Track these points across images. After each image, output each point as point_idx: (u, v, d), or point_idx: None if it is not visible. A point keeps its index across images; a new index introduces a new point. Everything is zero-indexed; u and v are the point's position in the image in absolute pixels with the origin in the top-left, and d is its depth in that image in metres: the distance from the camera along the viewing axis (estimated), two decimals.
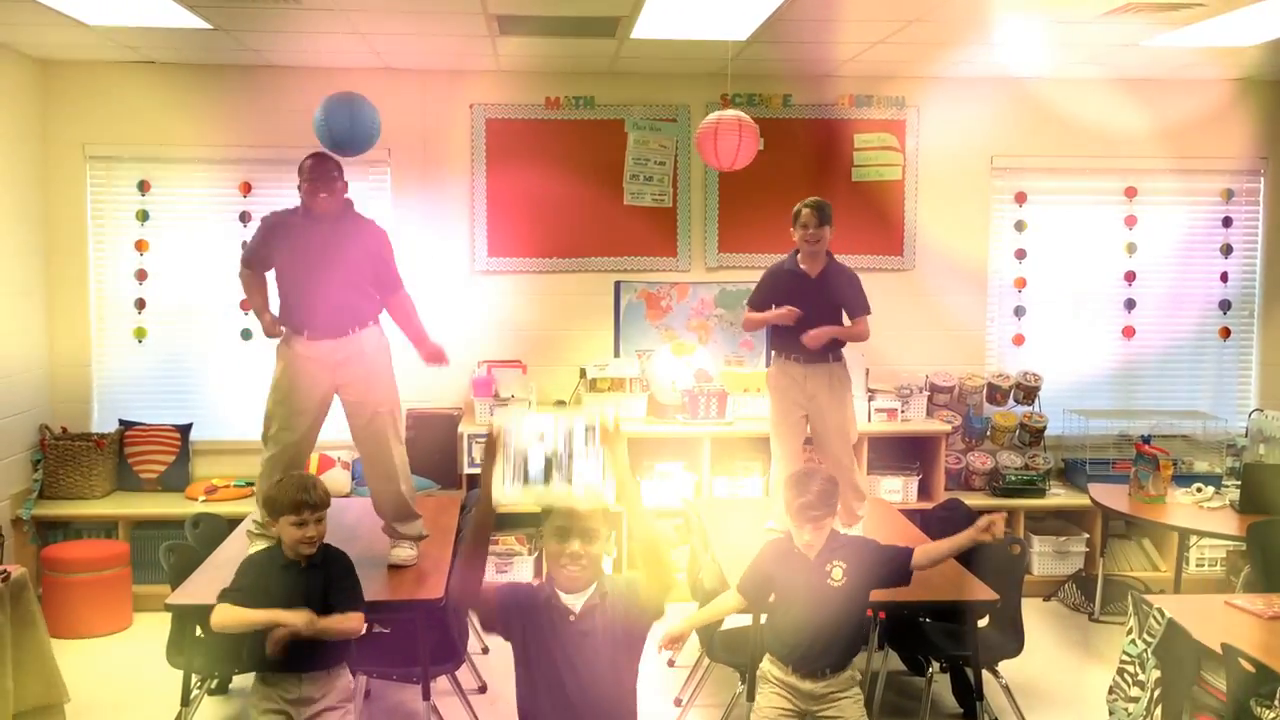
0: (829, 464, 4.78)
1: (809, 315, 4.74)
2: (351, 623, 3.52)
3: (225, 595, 3.50)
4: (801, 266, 4.81)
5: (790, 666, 3.57)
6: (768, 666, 3.66)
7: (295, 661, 3.47)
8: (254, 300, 4.57)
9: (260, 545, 4.32)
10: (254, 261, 4.54)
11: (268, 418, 4.42)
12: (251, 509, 4.67)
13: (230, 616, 3.44)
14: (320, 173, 4.32)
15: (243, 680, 4.88)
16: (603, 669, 2.80)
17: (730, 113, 5.14)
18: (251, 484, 5.92)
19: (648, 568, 2.83)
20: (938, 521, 5.08)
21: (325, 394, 4.42)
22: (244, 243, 4.60)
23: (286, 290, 4.43)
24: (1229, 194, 6.84)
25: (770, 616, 3.70)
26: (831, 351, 4.80)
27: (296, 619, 3.38)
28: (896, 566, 3.60)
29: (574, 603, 2.79)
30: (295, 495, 3.47)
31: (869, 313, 4.86)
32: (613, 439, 2.71)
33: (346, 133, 4.52)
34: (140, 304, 6.38)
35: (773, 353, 4.97)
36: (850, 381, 4.94)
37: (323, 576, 3.55)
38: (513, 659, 2.87)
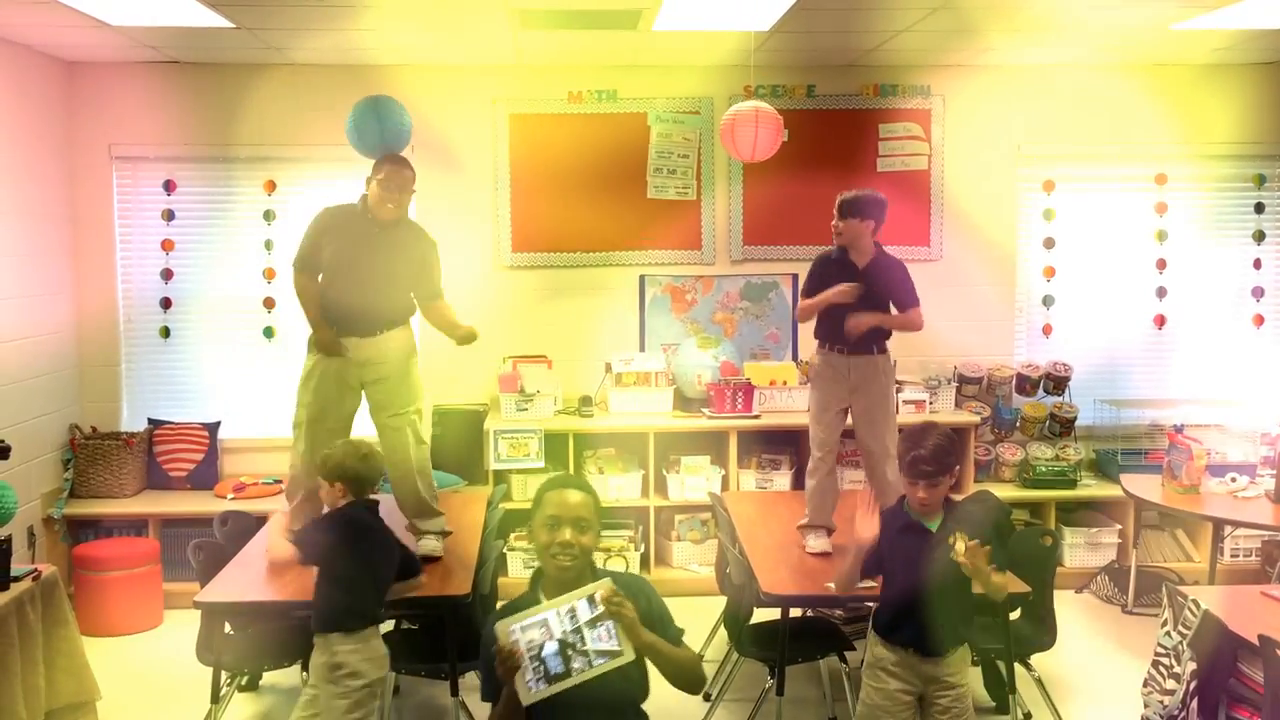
0: (865, 455, 4.72)
1: (855, 306, 4.59)
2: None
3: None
4: (850, 257, 4.63)
5: (911, 648, 3.44)
6: (881, 652, 3.52)
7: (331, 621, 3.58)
8: (310, 312, 4.49)
9: (283, 545, 4.35)
10: (309, 264, 4.49)
11: (298, 407, 4.48)
12: (279, 505, 4.69)
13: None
14: (396, 182, 4.36)
15: (272, 677, 4.91)
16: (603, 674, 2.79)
17: (748, 104, 5.11)
18: (279, 481, 5.95)
19: (679, 684, 2.91)
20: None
21: (352, 388, 4.48)
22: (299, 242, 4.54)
23: (327, 284, 4.45)
24: (1261, 179, 6.74)
25: (888, 597, 3.54)
26: (876, 343, 4.65)
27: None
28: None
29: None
30: (347, 462, 3.70)
31: (918, 304, 4.66)
32: (612, 602, 2.75)
33: (375, 142, 4.54)
34: (166, 303, 6.42)
35: (816, 343, 4.82)
36: (894, 376, 4.81)
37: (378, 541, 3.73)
38: None
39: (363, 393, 4.52)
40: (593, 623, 2.76)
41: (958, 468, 3.47)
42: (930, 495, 3.38)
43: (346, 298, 4.39)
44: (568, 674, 2.73)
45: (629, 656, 2.76)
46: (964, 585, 3.40)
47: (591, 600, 2.77)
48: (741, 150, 5.13)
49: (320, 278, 4.48)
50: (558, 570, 2.82)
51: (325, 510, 3.79)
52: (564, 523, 2.80)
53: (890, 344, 4.82)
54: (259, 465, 6.37)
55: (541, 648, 2.74)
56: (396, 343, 4.47)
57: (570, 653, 2.74)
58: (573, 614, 2.76)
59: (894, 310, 4.68)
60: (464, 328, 4.65)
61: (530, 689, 2.72)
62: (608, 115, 6.48)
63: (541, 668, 2.73)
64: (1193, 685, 3.55)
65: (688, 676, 2.91)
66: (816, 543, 4.56)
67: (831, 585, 4.09)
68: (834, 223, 4.60)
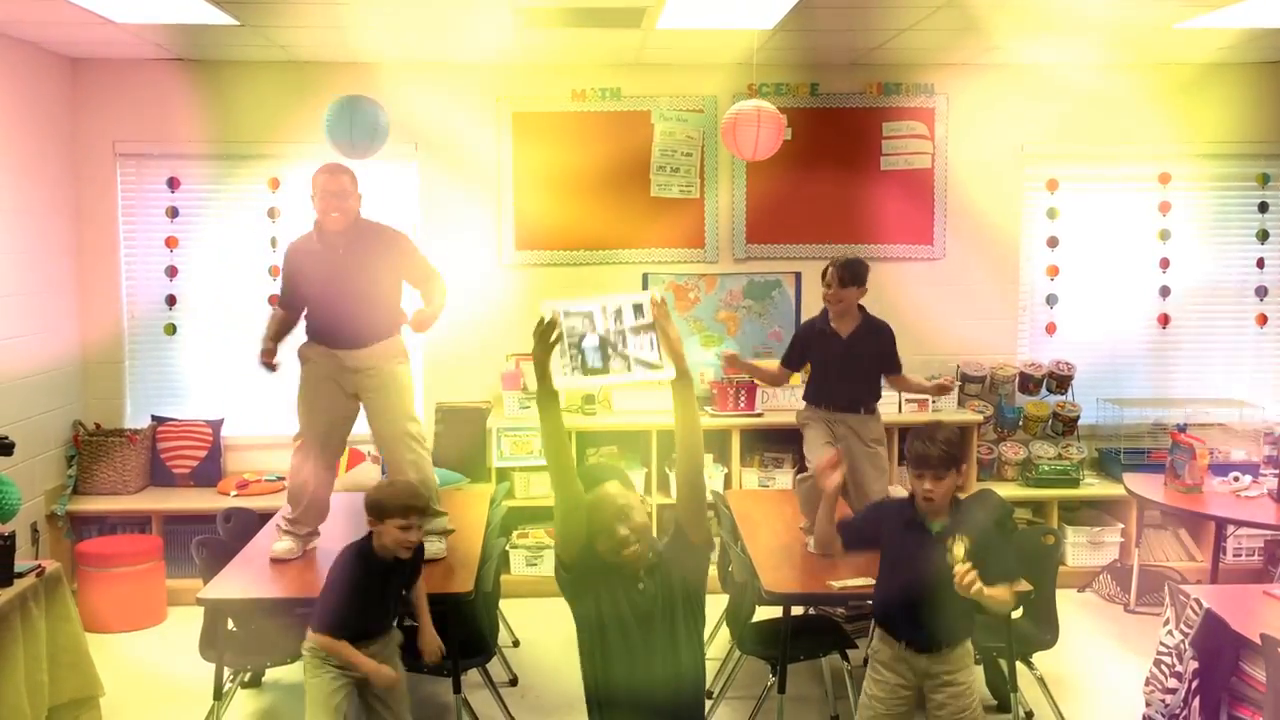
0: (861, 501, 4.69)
1: (840, 374, 4.67)
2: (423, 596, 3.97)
3: (335, 625, 3.66)
4: (832, 325, 4.67)
5: (904, 643, 3.48)
6: (879, 645, 3.58)
7: (366, 633, 3.70)
8: (269, 329, 4.62)
9: (287, 541, 4.36)
10: (288, 301, 4.57)
11: (300, 421, 4.53)
12: (282, 503, 4.69)
13: (339, 651, 3.66)
14: (332, 190, 4.28)
15: (275, 674, 4.91)
16: (671, 632, 2.82)
17: (750, 103, 5.11)
18: (282, 478, 5.95)
19: (684, 443, 2.88)
20: None
21: (346, 398, 4.48)
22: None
23: (311, 308, 4.49)
24: (1265, 178, 6.73)
25: (881, 590, 3.61)
26: (864, 405, 4.69)
27: (384, 680, 3.72)
28: (998, 575, 3.39)
29: (639, 576, 2.84)
30: (406, 501, 3.67)
31: (899, 367, 4.75)
32: (662, 316, 2.73)
33: (366, 143, 4.54)
34: (171, 300, 6.43)
35: (804, 401, 4.84)
36: (884, 437, 4.77)
37: (410, 566, 3.81)
38: (576, 626, 2.88)
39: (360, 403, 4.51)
40: (637, 330, 2.73)
41: (964, 466, 3.48)
42: (936, 489, 3.36)
43: (327, 318, 4.41)
44: (605, 370, 2.70)
45: (669, 373, 2.73)
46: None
47: (639, 310, 2.74)
48: (743, 150, 5.13)
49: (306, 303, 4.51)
50: (630, 559, 2.81)
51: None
52: (615, 519, 2.79)
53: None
54: (262, 462, 6.39)
55: (582, 339, 2.70)
56: (386, 351, 4.45)
57: (610, 352, 2.71)
58: (619, 315, 2.73)
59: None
60: (427, 314, 4.42)
61: (565, 375, 2.68)
62: (611, 113, 6.48)
63: (580, 357, 2.69)
64: (1194, 684, 3.55)
65: (695, 439, 2.92)
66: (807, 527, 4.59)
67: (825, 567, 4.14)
68: (830, 291, 4.59)
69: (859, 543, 3.64)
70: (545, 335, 2.66)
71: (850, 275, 4.56)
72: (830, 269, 4.61)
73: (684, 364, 2.75)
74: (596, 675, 2.85)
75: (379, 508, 3.66)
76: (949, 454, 3.36)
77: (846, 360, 4.66)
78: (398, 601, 3.84)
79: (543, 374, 2.67)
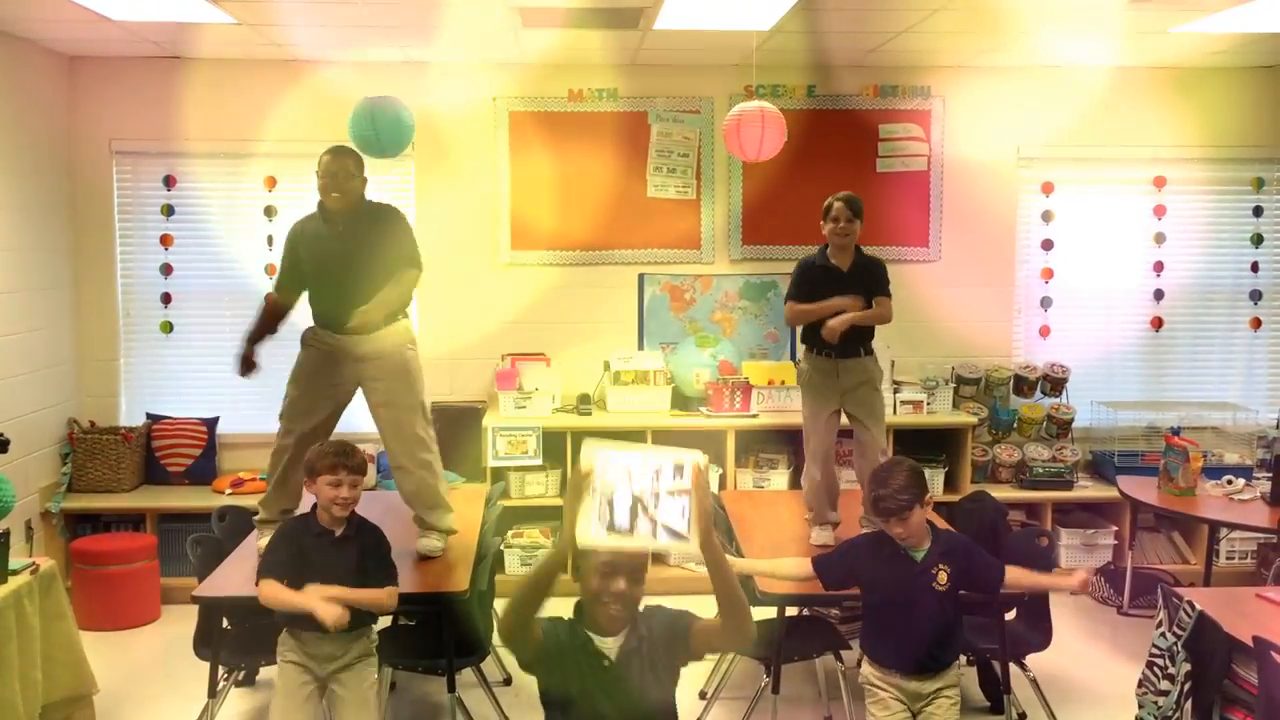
0: (869, 453, 4.73)
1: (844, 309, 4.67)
2: (385, 598, 3.67)
3: (267, 570, 3.61)
4: (833, 261, 4.67)
5: (895, 670, 3.55)
6: (869, 669, 3.63)
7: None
8: (252, 328, 4.49)
9: (269, 534, 4.34)
10: (284, 283, 4.48)
11: (287, 403, 4.41)
12: None
13: (275, 594, 3.56)
14: (335, 169, 4.26)
15: (269, 672, 4.90)
16: (644, 710, 2.75)
17: (753, 104, 5.12)
18: None
19: (730, 622, 2.67)
20: (964, 514, 5.04)
21: (347, 386, 4.40)
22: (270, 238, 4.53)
23: (314, 290, 4.42)
24: (1260, 183, 6.75)
25: (871, 621, 3.67)
26: (863, 345, 4.69)
27: (328, 614, 3.46)
28: (989, 582, 3.59)
29: (610, 648, 2.71)
30: (334, 457, 3.60)
31: (889, 296, 4.71)
32: (700, 484, 2.57)
33: (394, 143, 4.52)
34: (166, 298, 6.42)
35: (803, 347, 4.86)
36: (882, 375, 4.85)
37: (357, 548, 3.67)
38: (538, 689, 2.82)
39: (358, 390, 4.44)
40: (672, 493, 2.58)
41: (928, 495, 3.56)
42: (906, 528, 3.49)
43: (329, 300, 4.34)
44: (630, 532, 2.55)
45: (693, 546, 2.56)
46: (947, 614, 3.52)
47: (679, 471, 2.60)
48: (747, 150, 5.12)
49: (308, 285, 4.44)
50: (607, 620, 2.69)
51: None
52: (620, 571, 2.65)
53: (887, 346, 4.84)
54: (257, 461, 6.35)
55: (614, 493, 2.56)
56: (392, 338, 4.36)
57: (639, 511, 2.56)
58: (658, 474, 2.59)
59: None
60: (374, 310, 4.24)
61: (591, 531, 2.54)
62: (608, 114, 6.49)
63: (608, 514, 2.55)
64: (1187, 686, 3.55)
65: (741, 615, 2.66)
66: (820, 534, 4.60)
67: None
68: (839, 225, 4.59)
69: (840, 583, 3.69)
70: (580, 485, 2.54)
71: (857, 209, 4.60)
72: (836, 204, 4.59)
73: (708, 535, 2.57)
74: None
75: (310, 467, 3.63)
76: (906, 499, 3.45)
77: (850, 294, 4.61)
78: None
79: (571, 523, 2.55)
